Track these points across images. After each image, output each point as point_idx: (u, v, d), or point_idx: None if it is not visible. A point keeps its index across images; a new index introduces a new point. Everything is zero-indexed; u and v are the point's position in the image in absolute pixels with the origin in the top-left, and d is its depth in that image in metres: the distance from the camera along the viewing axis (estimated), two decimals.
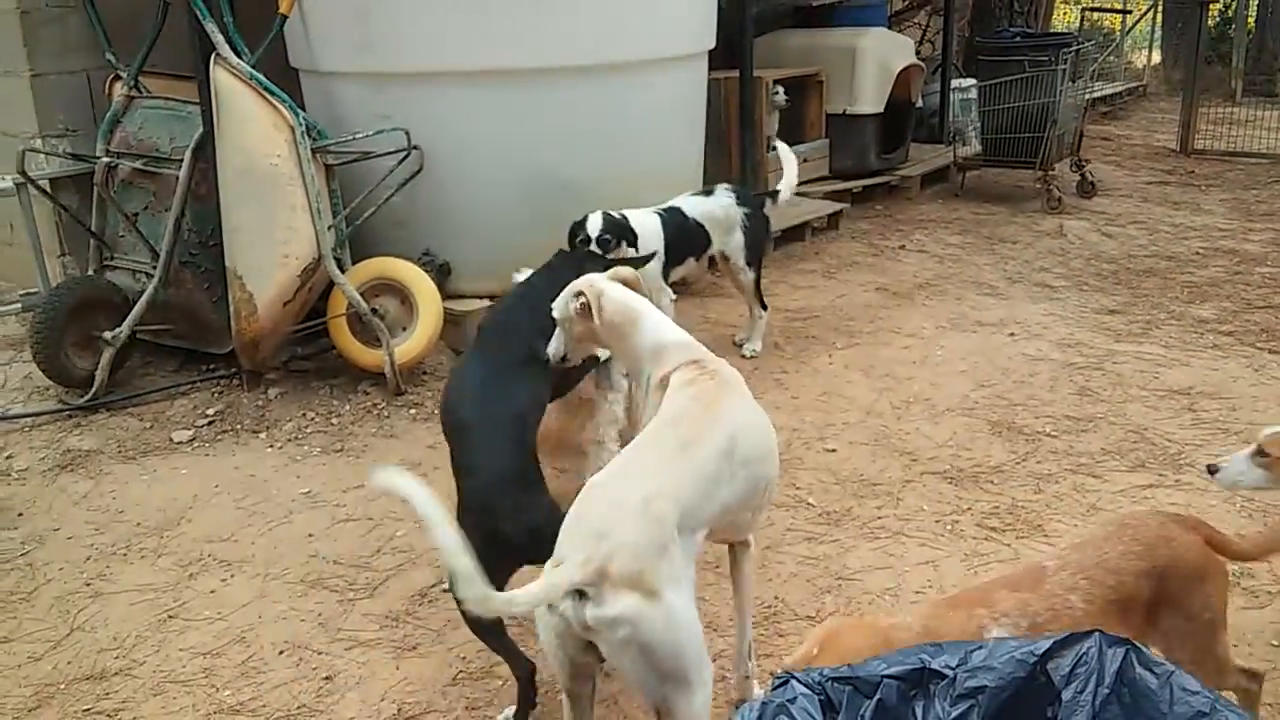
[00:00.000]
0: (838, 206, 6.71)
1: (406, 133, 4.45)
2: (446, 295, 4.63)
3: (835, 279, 5.74)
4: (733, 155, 6.78)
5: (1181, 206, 7.27)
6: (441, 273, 4.77)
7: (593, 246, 3.93)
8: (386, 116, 4.51)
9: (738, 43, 6.34)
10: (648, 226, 4.23)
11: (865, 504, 3.41)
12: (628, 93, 4.94)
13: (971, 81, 8.16)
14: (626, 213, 4.16)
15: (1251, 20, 13.78)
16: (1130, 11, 14.82)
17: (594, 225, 3.97)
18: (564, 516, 2.01)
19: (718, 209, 4.54)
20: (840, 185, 7.17)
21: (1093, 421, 3.92)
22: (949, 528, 3.24)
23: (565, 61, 4.71)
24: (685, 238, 4.41)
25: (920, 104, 8.00)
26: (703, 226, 4.47)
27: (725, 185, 4.73)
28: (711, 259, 4.70)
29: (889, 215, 7.07)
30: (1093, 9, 14.94)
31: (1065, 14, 16.89)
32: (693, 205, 4.50)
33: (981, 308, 5.22)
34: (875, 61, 7.25)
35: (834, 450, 3.78)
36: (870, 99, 7.25)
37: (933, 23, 9.42)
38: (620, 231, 4.04)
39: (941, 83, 8.55)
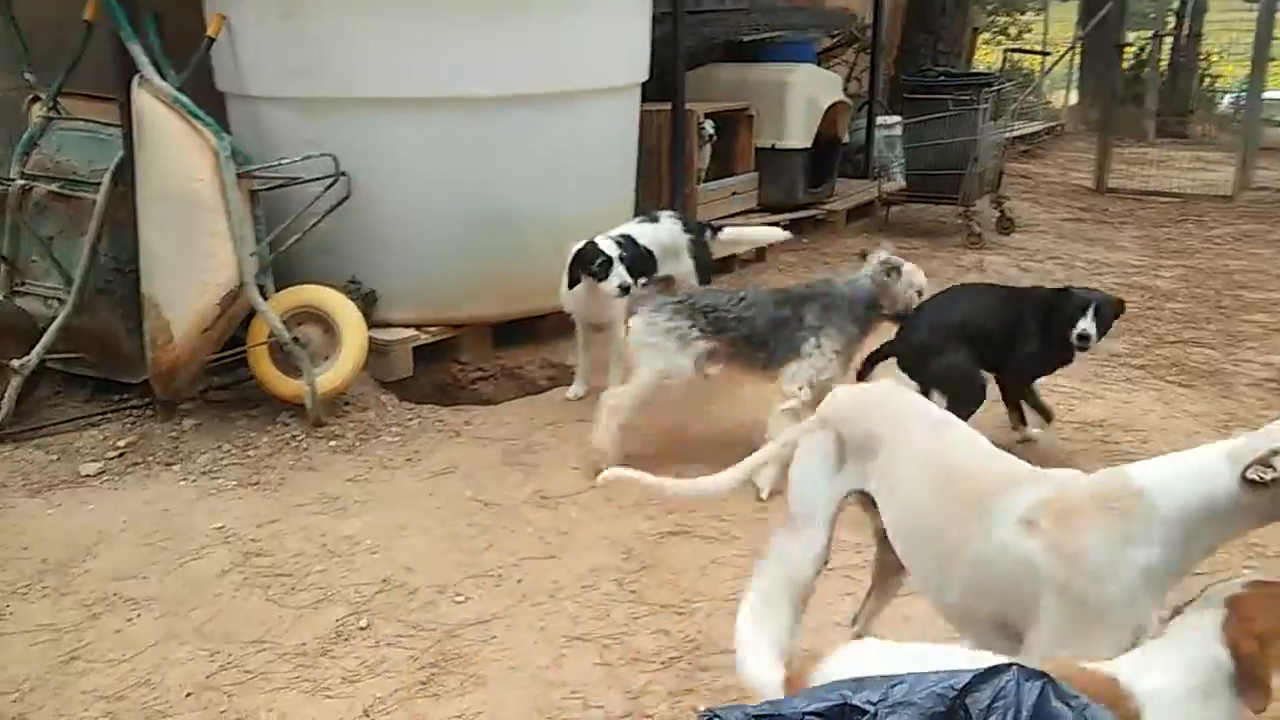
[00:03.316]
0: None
1: (334, 158, 4.39)
2: (372, 324, 4.57)
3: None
4: (663, 186, 6.82)
5: (1096, 243, 7.49)
6: (368, 301, 4.70)
7: (616, 265, 4.11)
8: (315, 142, 4.45)
9: (670, 76, 6.40)
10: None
11: None
12: (562, 123, 4.96)
13: (897, 119, 8.33)
14: (596, 240, 4.23)
15: (1164, 64, 14.29)
16: (1050, 53, 15.30)
17: (611, 248, 4.16)
18: None
19: (665, 235, 4.62)
20: (768, 218, 7.24)
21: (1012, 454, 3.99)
22: (868, 560, 3.25)
23: (500, 91, 4.71)
24: (638, 263, 4.45)
25: (847, 140, 8.16)
26: (651, 253, 4.52)
27: (669, 212, 4.80)
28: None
29: (815, 248, 7.17)
30: (1014, 50, 15.38)
31: (987, 54, 17.38)
32: (641, 232, 4.54)
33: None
34: (804, 97, 7.38)
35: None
36: (799, 134, 7.37)
37: (860, 60, 9.62)
38: (636, 257, 4.24)
39: (868, 119, 8.73)
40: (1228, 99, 16.38)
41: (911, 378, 3.93)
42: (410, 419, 4.34)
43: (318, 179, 4.40)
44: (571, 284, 4.29)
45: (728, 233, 5.08)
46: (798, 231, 7.42)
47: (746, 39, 7.84)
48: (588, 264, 4.18)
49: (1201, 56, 15.38)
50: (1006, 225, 7.60)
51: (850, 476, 2.29)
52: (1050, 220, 8.22)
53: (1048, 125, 13.56)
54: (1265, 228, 7.83)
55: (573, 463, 3.95)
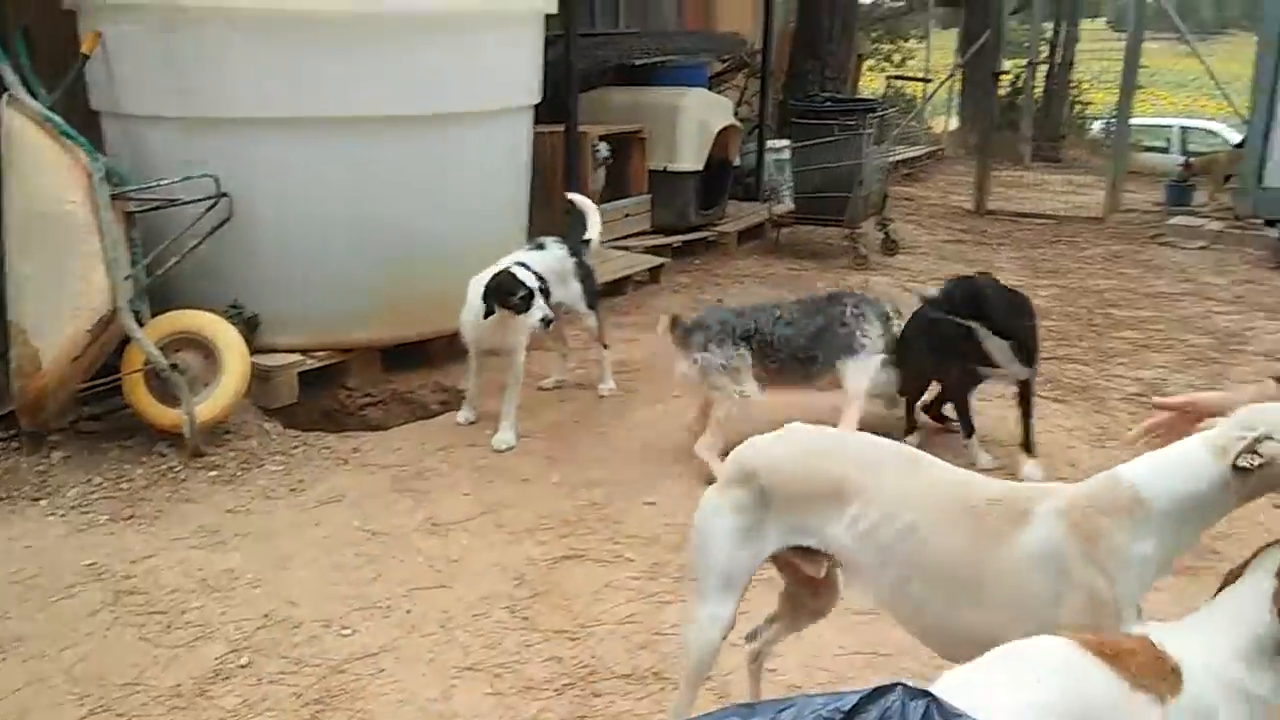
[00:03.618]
0: (659, 261, 6.84)
1: (216, 179, 4.27)
2: (256, 349, 4.44)
3: (656, 332, 5.80)
4: (557, 209, 6.81)
5: (976, 264, 7.73)
6: (250, 326, 4.57)
7: (538, 297, 4.08)
8: (196, 163, 4.32)
9: (563, 98, 6.41)
10: None
11: (682, 556, 3.42)
12: (453, 145, 4.92)
13: (786, 143, 8.50)
14: (512, 270, 4.19)
15: (1039, 91, 14.92)
16: (931, 80, 15.84)
17: (529, 277, 4.12)
18: None
19: (554, 261, 4.59)
20: (661, 240, 7.32)
21: None
22: (767, 576, 3.28)
23: (387, 111, 4.65)
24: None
25: (738, 163, 8.29)
26: (544, 280, 4.46)
27: (553, 238, 4.78)
28: None
29: (708, 270, 7.25)
30: (897, 77, 15.86)
31: (871, 81, 17.90)
32: (534, 260, 4.46)
33: None
34: (695, 121, 7.48)
35: (654, 503, 3.80)
36: (691, 157, 7.46)
37: (750, 85, 9.79)
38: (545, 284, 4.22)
39: (758, 143, 8.89)
40: (1097, 125, 17.21)
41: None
42: (295, 447, 4.22)
43: (198, 200, 4.27)
44: (487, 314, 4.15)
45: (592, 226, 5.04)
46: (690, 253, 7.54)
47: (639, 62, 7.91)
48: (507, 295, 4.08)
49: (1073, 84, 16.12)
50: (891, 247, 7.81)
51: (778, 535, 2.13)
52: (932, 242, 8.48)
53: (929, 150, 13.99)
54: (1134, 248, 8.22)
55: (464, 488, 3.90)
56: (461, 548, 3.49)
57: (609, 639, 2.97)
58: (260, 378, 4.40)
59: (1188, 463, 1.87)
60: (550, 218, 6.75)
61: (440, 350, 5.12)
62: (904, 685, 1.62)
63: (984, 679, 1.58)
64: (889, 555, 2.02)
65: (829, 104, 7.88)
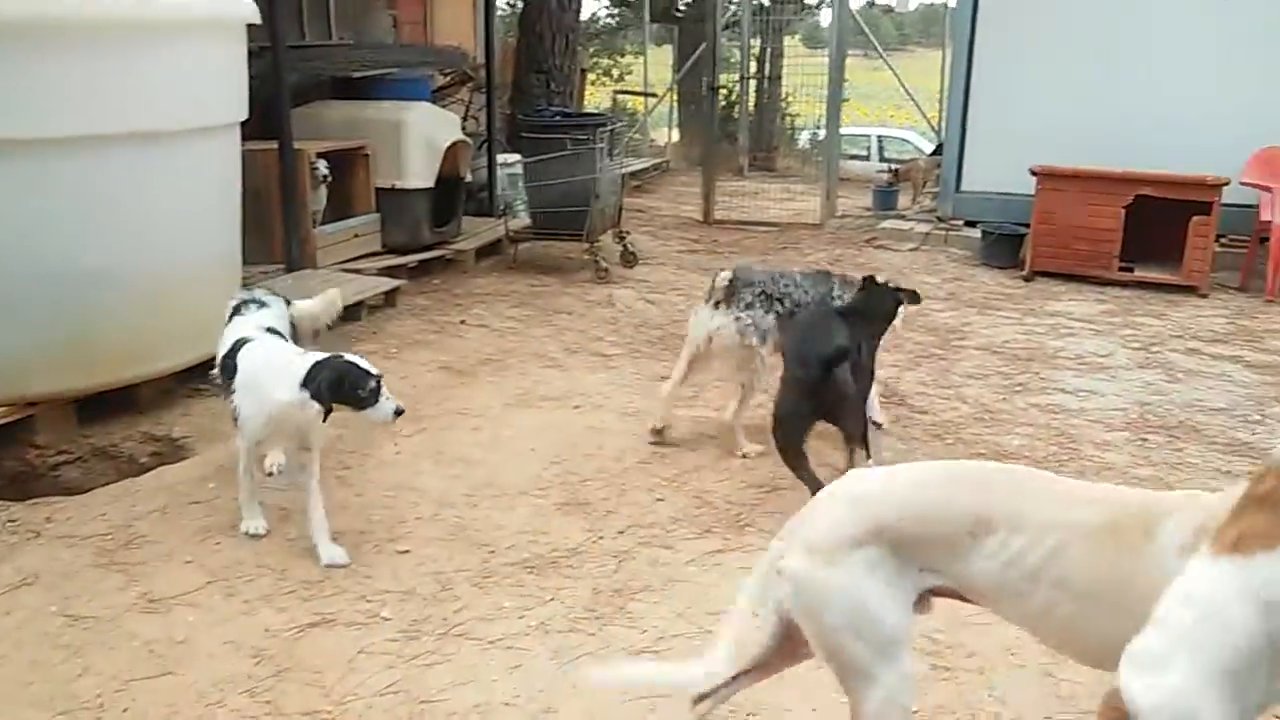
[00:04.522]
0: (394, 283, 6.46)
1: None
2: None
3: (396, 359, 5.47)
4: (276, 232, 6.32)
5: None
6: None
7: (383, 385, 3.36)
8: None
9: (274, 113, 5.94)
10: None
11: (444, 609, 3.15)
12: (147, 167, 4.35)
13: (517, 157, 8.33)
14: (347, 357, 3.40)
15: (752, 105, 15.62)
16: (656, 95, 16.22)
17: (368, 364, 3.37)
18: None
19: (281, 315, 3.90)
20: (395, 260, 6.96)
21: (657, 490, 3.99)
22: (534, 624, 3.07)
23: (65, 131, 4.04)
24: None
25: (470, 178, 8.04)
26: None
27: (262, 290, 4.03)
28: None
29: (447, 290, 6.95)
30: (624, 92, 16.13)
31: (594, 94, 18.15)
32: (267, 318, 3.77)
33: (545, 381, 5.21)
34: (422, 136, 7.17)
35: (407, 551, 3.49)
36: (420, 173, 7.15)
37: (475, 99, 9.56)
38: None
39: (488, 158, 8.68)
40: (805, 135, 18.27)
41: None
42: None
43: None
44: (327, 414, 3.36)
45: (310, 306, 4.27)
46: (427, 273, 7.21)
47: (357, 75, 7.49)
48: (355, 390, 3.29)
49: (782, 97, 17.01)
50: (630, 259, 7.81)
51: (911, 583, 2.03)
52: (668, 252, 8.57)
53: (655, 162, 14.30)
54: (852, 251, 8.65)
55: (185, 555, 3.42)
56: (187, 626, 3.04)
57: (368, 715, 2.65)
58: None
59: None
60: (267, 243, 6.25)
61: (150, 395, 4.56)
62: None
63: None
64: (1037, 579, 1.94)
65: (559, 118, 7.77)
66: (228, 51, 4.78)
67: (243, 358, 3.48)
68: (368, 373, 3.31)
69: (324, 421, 3.40)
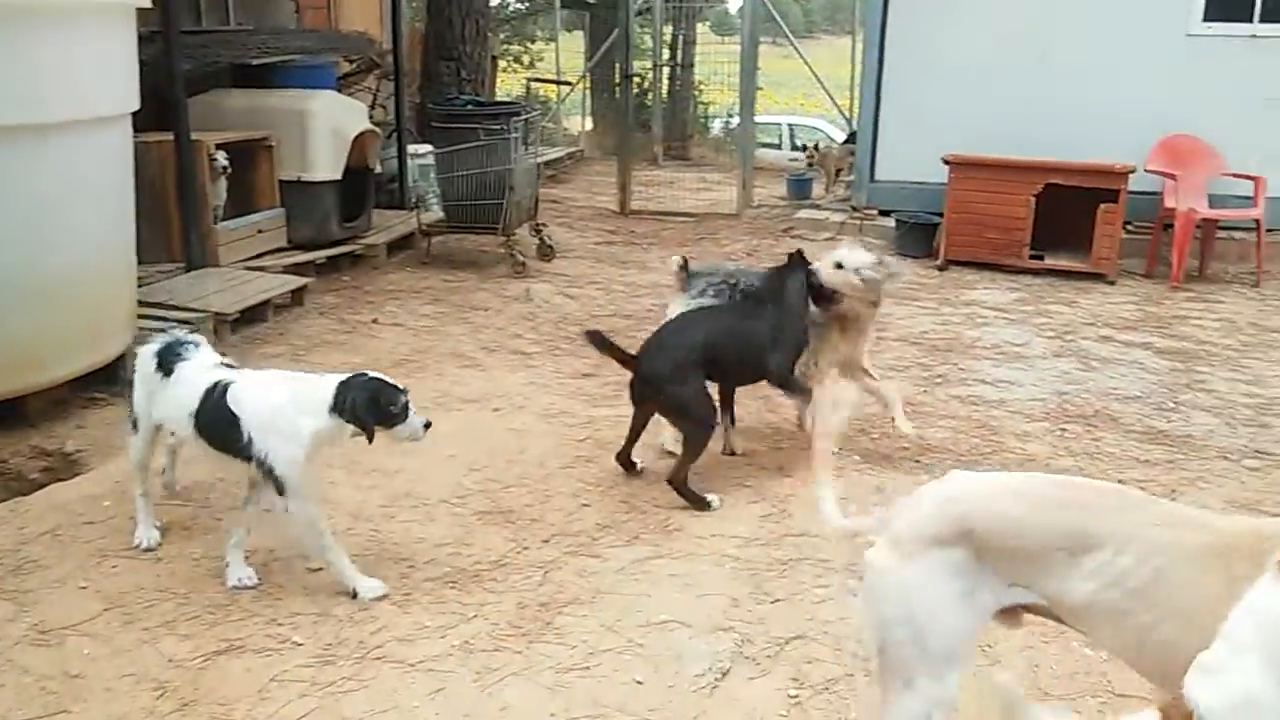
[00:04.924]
0: (301, 280, 6.22)
1: None
2: None
3: (306, 361, 5.24)
4: (174, 228, 6.03)
5: (630, 265, 7.79)
6: None
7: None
8: None
9: (168, 103, 5.66)
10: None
11: (361, 630, 2.99)
12: (27, 161, 4.09)
13: (428, 148, 8.11)
14: (372, 374, 3.20)
15: (665, 93, 15.55)
16: (571, 83, 16.03)
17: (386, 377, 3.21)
18: None
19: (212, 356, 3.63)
20: (302, 257, 6.71)
21: (583, 496, 3.88)
22: (457, 644, 2.94)
23: None
24: None
25: (379, 170, 7.79)
26: None
27: (182, 333, 3.50)
28: None
29: (358, 286, 6.73)
30: (537, 79, 15.90)
31: (506, 83, 17.88)
32: (210, 359, 3.37)
33: (463, 382, 5.05)
34: (328, 126, 6.92)
35: (320, 569, 3.31)
36: (326, 165, 6.90)
37: (383, 87, 9.29)
38: None
39: (398, 149, 8.44)
40: (717, 124, 18.27)
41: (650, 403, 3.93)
42: None
43: None
44: (370, 437, 3.12)
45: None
46: (336, 269, 6.97)
47: (256, 63, 7.18)
48: (389, 408, 3.10)
49: (695, 85, 16.97)
50: (547, 252, 7.66)
51: (994, 597, 1.94)
52: (585, 244, 8.45)
53: (569, 151, 14.13)
54: (769, 241, 8.63)
55: (80, 580, 3.20)
56: (82, 658, 2.83)
57: None
58: None
59: None
60: (165, 240, 5.97)
61: (39, 408, 4.28)
62: None
63: None
64: (1136, 600, 1.85)
65: (471, 107, 7.57)
66: (116, 37, 4.49)
67: (242, 403, 3.08)
68: (397, 388, 3.14)
69: (370, 443, 3.17)
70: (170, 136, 5.78)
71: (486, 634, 2.99)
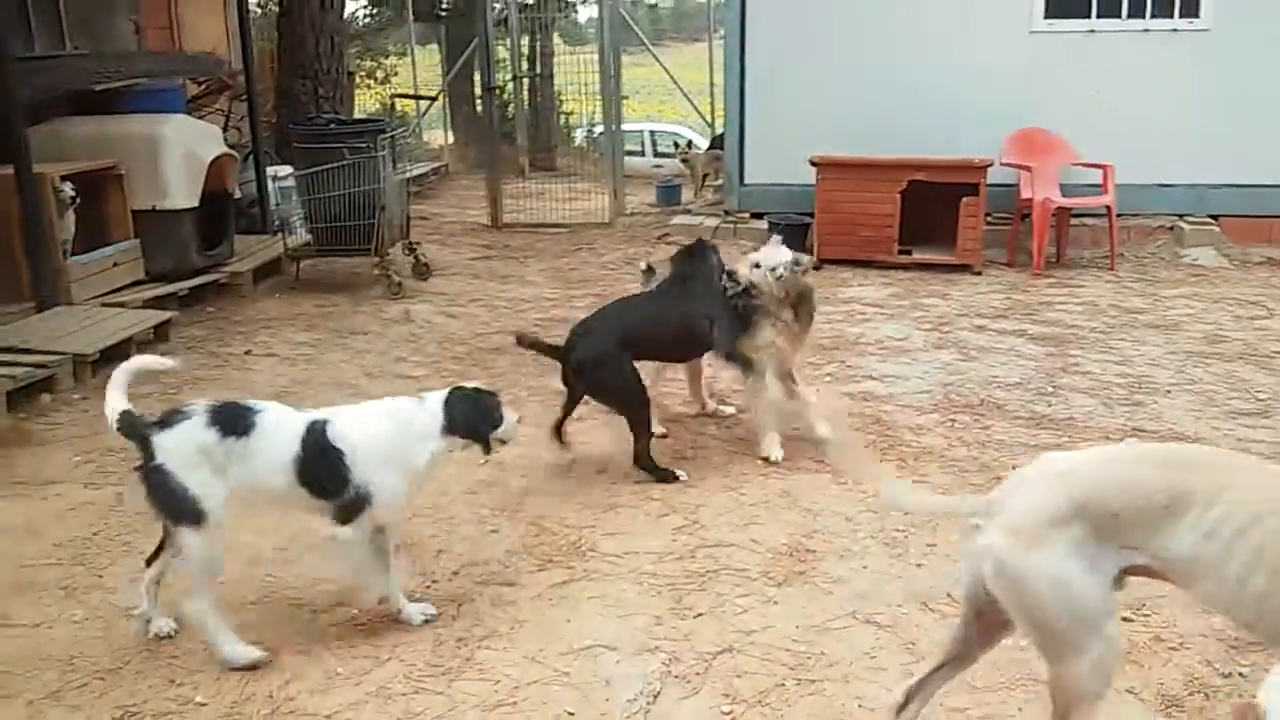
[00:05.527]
0: (164, 315, 5.90)
1: None
2: None
3: (176, 400, 4.93)
4: (20, 266, 5.64)
5: (509, 280, 7.67)
6: None
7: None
8: None
9: (8, 134, 5.29)
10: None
11: (267, 683, 2.80)
12: None
13: (289, 169, 7.82)
14: (468, 387, 3.18)
15: (527, 104, 15.43)
16: (435, 98, 15.73)
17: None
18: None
19: None
20: (163, 289, 6.37)
21: (489, 522, 3.77)
22: (373, 690, 2.78)
23: None
24: None
25: (239, 194, 7.47)
26: None
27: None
28: None
29: (225, 317, 6.42)
30: (402, 95, 15.57)
31: (361, 99, 17.45)
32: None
33: None
34: (182, 151, 6.60)
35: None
36: (182, 192, 6.58)
37: (235, 108, 8.92)
38: None
39: (256, 171, 8.11)
40: (580, 133, 18.26)
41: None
42: None
43: None
44: (487, 448, 3.08)
45: None
46: (199, 300, 6.64)
47: (99, 88, 6.78)
48: (492, 413, 3.06)
49: (555, 95, 16.92)
50: (423, 271, 7.47)
51: (1112, 564, 2.04)
52: (460, 261, 8.28)
53: (433, 166, 13.89)
54: (647, 249, 8.61)
55: None
56: None
57: None
58: None
59: None
60: (12, 279, 5.58)
61: None
62: None
63: None
64: (1232, 551, 1.94)
65: (333, 126, 7.33)
66: None
67: (349, 438, 2.90)
68: (492, 393, 3.14)
69: (486, 455, 3.19)
70: (10, 170, 5.41)
71: (403, 676, 2.85)
